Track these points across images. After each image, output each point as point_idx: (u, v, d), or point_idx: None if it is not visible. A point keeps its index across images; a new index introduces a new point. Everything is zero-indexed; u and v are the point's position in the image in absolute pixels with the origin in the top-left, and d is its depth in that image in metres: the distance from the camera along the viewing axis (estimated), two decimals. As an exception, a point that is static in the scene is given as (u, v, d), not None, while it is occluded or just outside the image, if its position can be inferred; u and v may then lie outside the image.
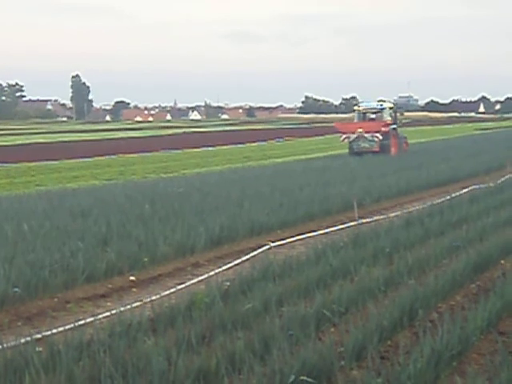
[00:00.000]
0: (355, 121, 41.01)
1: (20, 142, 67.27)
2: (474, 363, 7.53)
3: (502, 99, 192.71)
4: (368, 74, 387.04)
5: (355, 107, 42.71)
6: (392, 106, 42.26)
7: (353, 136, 38.78)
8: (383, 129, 38.62)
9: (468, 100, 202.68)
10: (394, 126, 40.23)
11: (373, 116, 40.39)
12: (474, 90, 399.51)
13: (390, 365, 7.15)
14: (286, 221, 16.70)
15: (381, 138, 38.28)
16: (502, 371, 6.81)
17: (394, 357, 7.52)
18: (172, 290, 10.89)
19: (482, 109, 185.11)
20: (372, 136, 38.29)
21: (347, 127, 40.52)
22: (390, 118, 39.91)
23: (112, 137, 77.60)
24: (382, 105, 41.12)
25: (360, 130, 38.62)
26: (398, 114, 42.43)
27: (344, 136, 39.56)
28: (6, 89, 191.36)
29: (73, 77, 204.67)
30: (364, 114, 40.64)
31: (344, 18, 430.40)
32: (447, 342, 7.52)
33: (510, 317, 9.32)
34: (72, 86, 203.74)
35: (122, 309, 9.47)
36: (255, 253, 13.61)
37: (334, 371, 7.03)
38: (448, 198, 20.13)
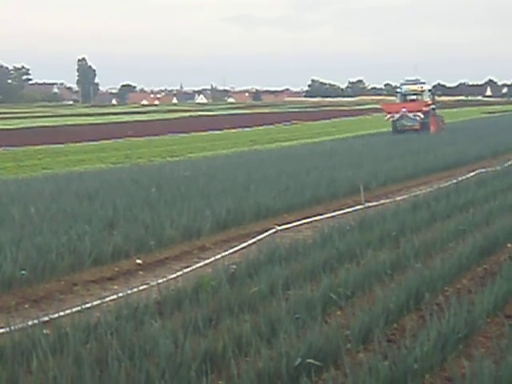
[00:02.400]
0: (397, 102, 45.53)
1: (26, 125, 67.26)
2: (480, 346, 7.53)
3: (509, 83, 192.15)
4: (375, 58, 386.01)
5: (397, 89, 47.13)
6: (431, 88, 46.20)
7: (397, 115, 43.05)
8: (424, 108, 42.94)
9: (475, 83, 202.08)
10: (433, 107, 44.74)
11: (413, 97, 44.58)
12: (481, 73, 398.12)
13: (396, 348, 7.15)
14: (293, 204, 16.70)
15: (422, 116, 42.58)
16: (509, 354, 6.80)
17: (400, 340, 7.52)
18: (178, 273, 10.91)
19: (488, 92, 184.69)
20: (414, 115, 42.65)
21: (392, 107, 45.02)
22: (429, 99, 44.24)
23: (118, 120, 77.56)
24: (422, 87, 45.03)
25: (404, 109, 42.92)
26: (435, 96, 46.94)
27: (389, 115, 43.78)
28: (12, 72, 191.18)
29: (79, 60, 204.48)
30: (405, 95, 44.87)
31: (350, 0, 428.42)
32: (454, 326, 7.52)
33: (517, 300, 9.31)
34: (78, 70, 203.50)
35: (128, 292, 9.50)
36: (262, 236, 13.62)
37: (341, 354, 7.04)
38: (455, 181, 20.11)
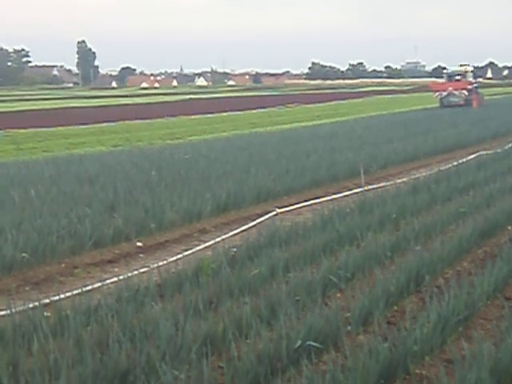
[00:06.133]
0: (444, 81, 53.91)
1: (26, 107, 67.16)
2: (480, 328, 7.54)
3: (510, 65, 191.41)
4: (375, 40, 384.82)
5: (444, 71, 56.45)
6: (473, 69, 54.58)
7: (444, 93, 51.47)
8: (468, 87, 51.03)
9: (476, 66, 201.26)
10: (476, 85, 52.52)
11: (458, 77, 52.30)
12: (482, 55, 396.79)
13: (396, 330, 7.17)
14: (293, 187, 16.70)
15: (466, 94, 50.55)
16: (509, 336, 6.82)
17: (400, 322, 7.54)
18: (179, 256, 10.92)
19: (489, 74, 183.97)
20: (460, 92, 50.72)
21: (440, 86, 53.84)
22: (471, 79, 52.30)
23: (118, 103, 77.41)
24: (465, 69, 53.04)
25: (450, 88, 51.24)
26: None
27: (437, 93, 52.24)
28: (12, 54, 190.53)
29: (79, 42, 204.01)
30: (450, 76, 53.06)
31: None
32: (453, 308, 7.54)
33: (517, 282, 9.33)
34: (78, 52, 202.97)
35: (129, 274, 9.51)
36: (262, 219, 13.63)
37: (341, 336, 7.06)
38: (455, 163, 20.09)
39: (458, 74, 52.51)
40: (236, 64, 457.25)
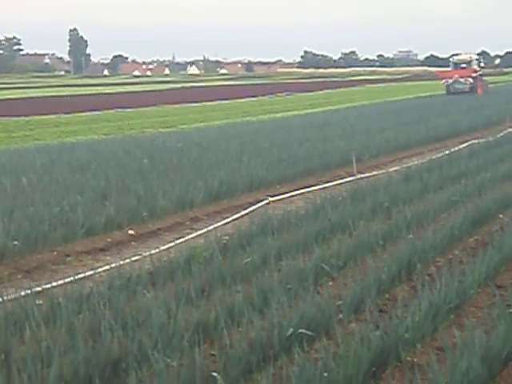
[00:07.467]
0: (450, 69, 56.44)
1: (18, 95, 66.91)
2: (471, 316, 7.57)
3: (502, 53, 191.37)
4: (368, 29, 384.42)
5: (450, 59, 58.64)
6: (478, 57, 58.72)
7: (450, 80, 54.09)
8: (473, 74, 54.04)
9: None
10: (480, 73, 56.04)
11: (464, 65, 55.24)
12: (474, 44, 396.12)
13: (388, 318, 7.18)
14: (285, 176, 16.70)
15: (471, 81, 53.39)
16: (500, 324, 6.85)
17: (392, 310, 7.56)
18: (171, 244, 10.92)
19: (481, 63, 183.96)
20: (465, 80, 53.53)
21: (447, 74, 56.34)
22: (476, 67, 55.44)
23: (110, 91, 77.18)
24: (470, 57, 56.59)
25: (456, 75, 53.93)
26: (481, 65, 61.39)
27: (443, 80, 55.14)
28: (3, 42, 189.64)
29: (70, 30, 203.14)
30: (456, 64, 55.75)
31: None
32: (445, 296, 7.56)
33: (508, 270, 9.37)
34: (70, 40, 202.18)
35: (121, 262, 9.50)
36: (254, 207, 13.62)
37: (333, 324, 7.07)
38: (447, 152, 20.11)
39: (464, 62, 55.40)
40: (228, 52, 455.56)
